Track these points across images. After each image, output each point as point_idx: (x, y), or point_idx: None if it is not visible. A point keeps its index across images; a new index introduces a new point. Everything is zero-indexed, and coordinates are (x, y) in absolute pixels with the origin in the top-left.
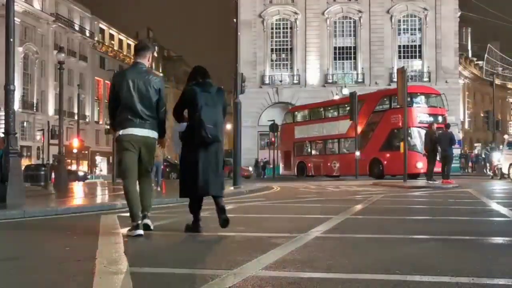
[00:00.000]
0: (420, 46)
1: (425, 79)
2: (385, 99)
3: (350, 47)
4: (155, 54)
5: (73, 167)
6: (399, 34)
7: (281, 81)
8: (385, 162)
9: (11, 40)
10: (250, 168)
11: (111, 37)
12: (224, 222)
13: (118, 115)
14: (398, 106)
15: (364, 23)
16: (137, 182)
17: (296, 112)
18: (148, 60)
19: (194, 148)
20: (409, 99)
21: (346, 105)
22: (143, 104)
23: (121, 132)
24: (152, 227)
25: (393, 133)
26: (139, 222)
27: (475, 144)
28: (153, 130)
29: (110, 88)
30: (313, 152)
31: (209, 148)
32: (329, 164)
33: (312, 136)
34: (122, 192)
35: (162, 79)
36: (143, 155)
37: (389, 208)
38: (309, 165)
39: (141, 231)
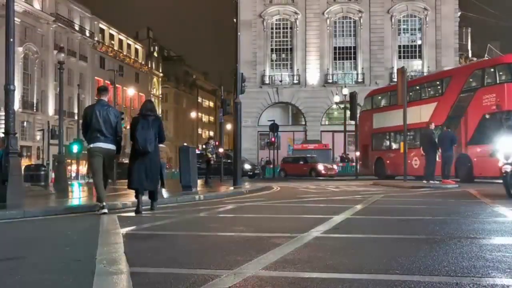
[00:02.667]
0: (420, 46)
1: None
2: (477, 73)
3: (350, 47)
4: (155, 55)
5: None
6: (399, 34)
7: (281, 81)
8: (475, 160)
9: (11, 40)
10: (335, 166)
11: (111, 37)
12: (152, 208)
13: (89, 134)
14: (492, 83)
15: (364, 23)
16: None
17: (375, 96)
18: (109, 97)
19: (135, 156)
20: (507, 72)
21: (436, 82)
22: (105, 126)
23: (91, 145)
24: (103, 210)
25: (485, 120)
26: (104, 203)
27: None
28: (113, 144)
29: (83, 116)
30: (393, 145)
31: (144, 156)
32: (409, 161)
33: (390, 125)
34: (122, 193)
35: (118, 111)
36: (105, 160)
37: (389, 208)
38: (388, 162)
39: (106, 210)
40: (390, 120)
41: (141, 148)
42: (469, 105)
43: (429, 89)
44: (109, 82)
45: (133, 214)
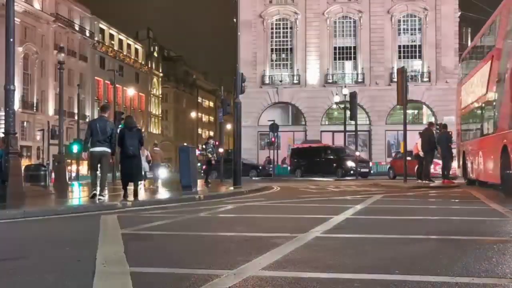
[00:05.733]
0: (420, 46)
1: (425, 79)
2: None
3: (350, 47)
4: (155, 55)
5: (73, 167)
6: (399, 34)
7: (281, 81)
8: None
9: (11, 40)
10: (454, 163)
11: (111, 37)
12: (134, 197)
13: (91, 141)
14: None
15: (364, 23)
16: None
17: (466, 60)
18: (110, 113)
19: (125, 158)
20: None
21: (488, 29)
22: (102, 135)
23: (91, 149)
24: (99, 198)
25: None
26: (95, 192)
27: None
28: (107, 148)
29: (87, 127)
30: (471, 134)
31: (131, 159)
32: (476, 157)
33: (471, 101)
34: (122, 193)
35: (113, 123)
36: (101, 160)
37: (389, 208)
38: (469, 159)
39: (99, 197)
40: (473, 92)
41: (130, 153)
42: None
43: (485, 43)
44: (109, 82)
45: (132, 214)
